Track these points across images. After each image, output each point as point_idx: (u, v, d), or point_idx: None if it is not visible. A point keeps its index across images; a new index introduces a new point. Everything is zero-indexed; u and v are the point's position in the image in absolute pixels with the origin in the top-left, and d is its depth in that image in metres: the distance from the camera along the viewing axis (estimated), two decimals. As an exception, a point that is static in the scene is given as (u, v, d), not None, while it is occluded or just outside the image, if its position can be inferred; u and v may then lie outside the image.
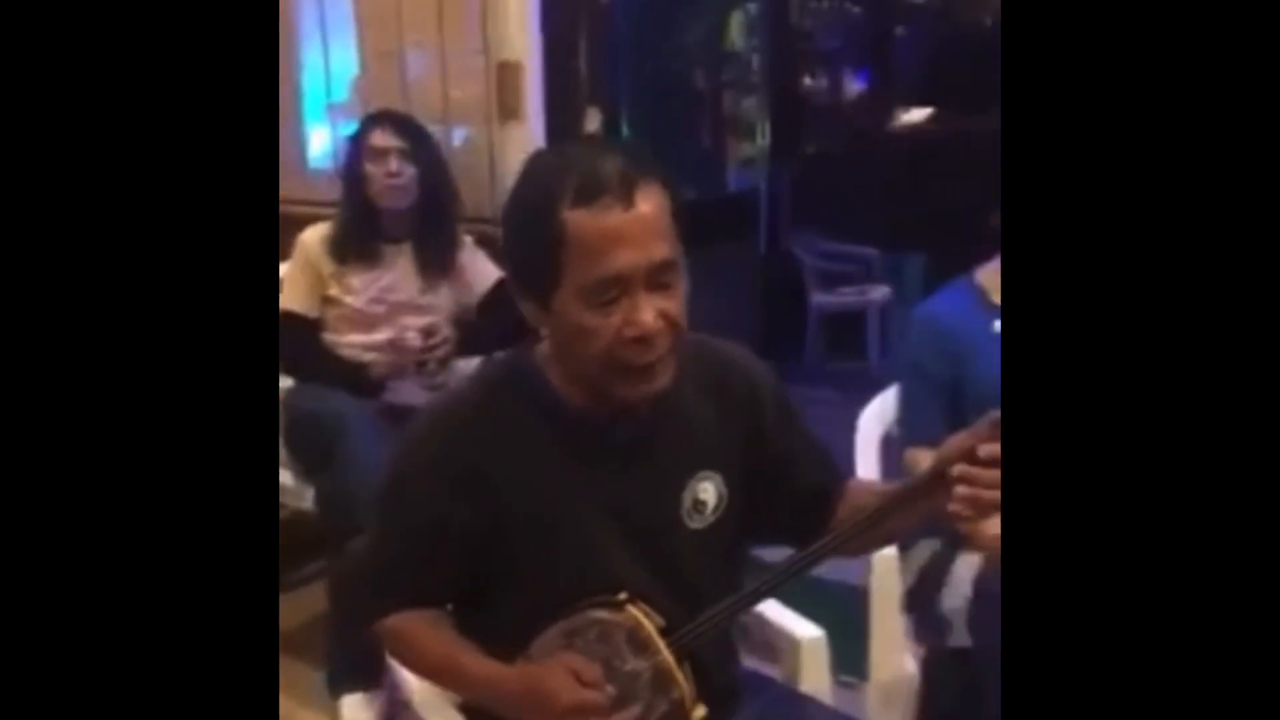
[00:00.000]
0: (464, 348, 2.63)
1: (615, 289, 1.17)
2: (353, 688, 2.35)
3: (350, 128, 2.93)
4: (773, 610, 1.62)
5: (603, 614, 1.27)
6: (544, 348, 1.32)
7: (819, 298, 5.06)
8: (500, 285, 2.71)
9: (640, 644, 1.26)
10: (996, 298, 1.87)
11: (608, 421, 1.29)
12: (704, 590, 1.32)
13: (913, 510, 1.26)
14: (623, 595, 1.27)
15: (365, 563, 1.39)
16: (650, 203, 1.17)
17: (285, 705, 2.42)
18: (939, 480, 1.19)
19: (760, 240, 5.18)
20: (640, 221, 1.16)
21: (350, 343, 2.61)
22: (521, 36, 2.72)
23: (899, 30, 5.99)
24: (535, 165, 1.26)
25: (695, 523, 1.34)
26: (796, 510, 1.39)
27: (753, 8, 5.68)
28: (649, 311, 1.17)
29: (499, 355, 1.40)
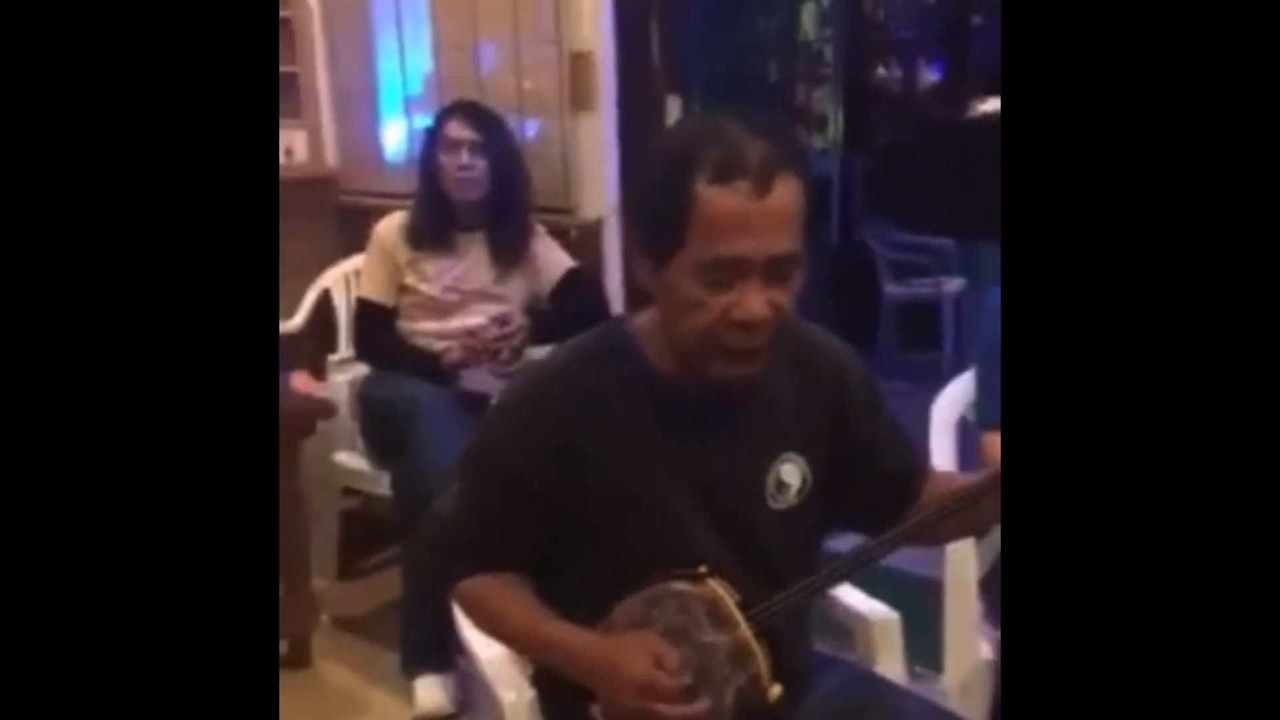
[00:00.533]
0: (536, 336, 2.66)
1: (731, 272, 1.16)
2: (426, 669, 2.39)
3: (426, 121, 2.98)
4: (846, 593, 1.62)
5: (683, 586, 1.27)
6: (641, 319, 1.32)
7: (892, 288, 5.01)
8: (572, 274, 2.74)
9: (719, 618, 1.26)
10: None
11: (698, 396, 1.29)
12: (783, 571, 1.31)
13: (994, 501, 1.24)
14: (703, 569, 1.28)
15: (448, 524, 1.41)
16: (785, 195, 1.15)
17: (360, 687, 2.50)
18: None
19: (833, 230, 5.15)
20: (771, 212, 1.15)
21: (424, 330, 2.65)
22: (594, 27, 2.73)
23: (975, 19, 5.90)
24: (683, 128, 1.26)
25: (778, 503, 1.34)
26: (879, 495, 1.39)
27: (825, -1, 5.64)
28: (759, 300, 1.17)
29: (596, 326, 1.40)
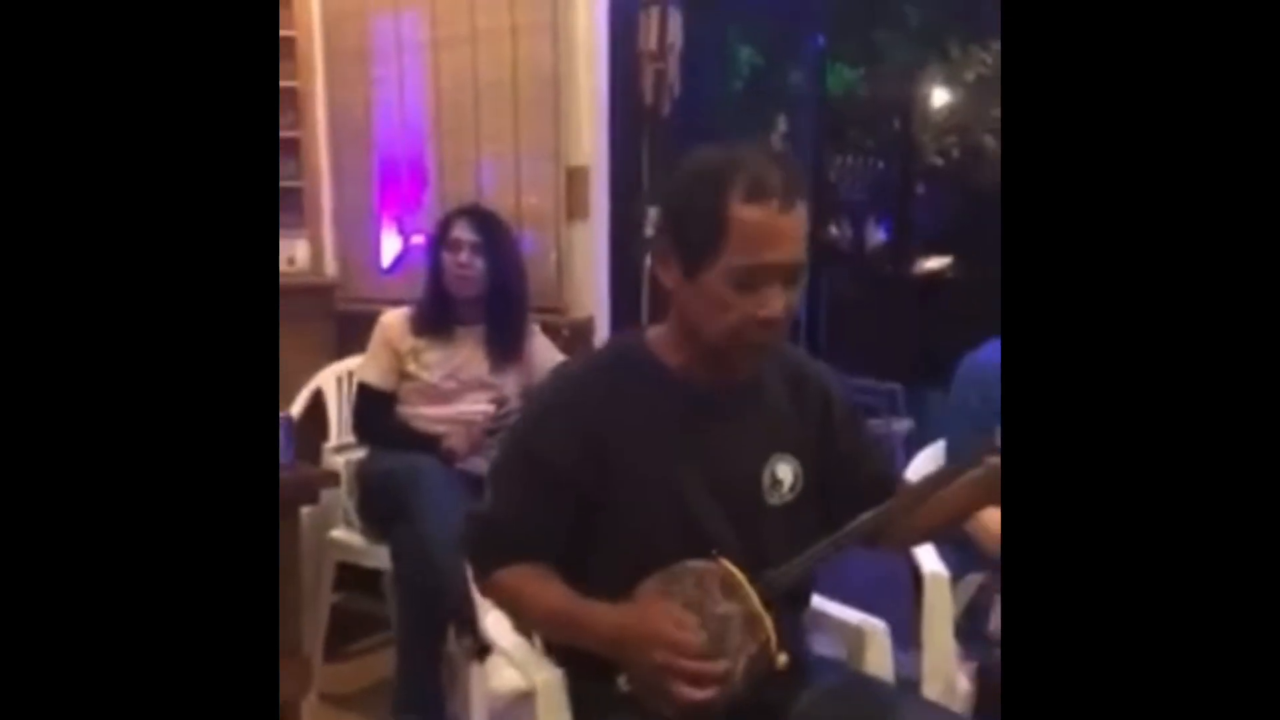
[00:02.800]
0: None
1: (760, 278, 1.35)
2: (417, 716, 2.46)
3: (420, 236, 3.20)
4: (836, 609, 1.76)
5: (698, 564, 1.42)
6: (651, 331, 1.53)
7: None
8: (562, 368, 2.90)
9: (731, 589, 1.40)
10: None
11: (707, 394, 1.48)
12: (781, 565, 1.46)
13: (964, 492, 1.47)
14: (715, 551, 1.42)
15: (485, 518, 1.54)
16: (802, 213, 1.36)
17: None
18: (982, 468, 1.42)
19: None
20: (793, 227, 1.35)
21: (423, 415, 2.80)
22: (592, 143, 2.96)
23: (919, 188, 6.33)
24: (708, 161, 1.40)
25: (773, 499, 1.51)
26: (864, 498, 1.52)
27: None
28: (781, 302, 1.37)
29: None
